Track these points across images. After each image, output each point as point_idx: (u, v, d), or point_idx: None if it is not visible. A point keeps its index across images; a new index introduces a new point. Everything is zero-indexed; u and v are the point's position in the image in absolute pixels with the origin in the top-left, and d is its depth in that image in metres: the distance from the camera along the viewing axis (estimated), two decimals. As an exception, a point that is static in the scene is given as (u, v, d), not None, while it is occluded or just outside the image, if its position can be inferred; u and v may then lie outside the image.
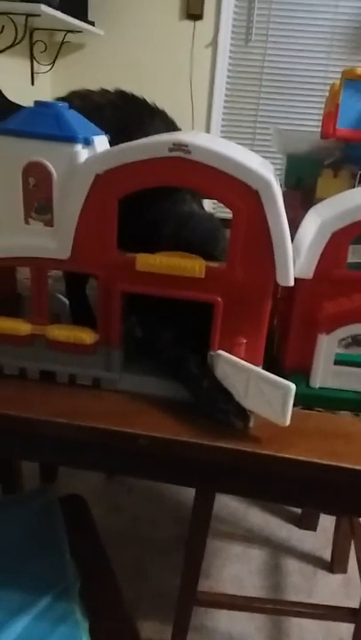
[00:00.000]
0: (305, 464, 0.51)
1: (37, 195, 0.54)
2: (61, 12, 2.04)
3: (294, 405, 0.51)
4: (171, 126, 0.74)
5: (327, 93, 1.01)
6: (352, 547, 1.51)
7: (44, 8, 1.94)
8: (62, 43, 2.50)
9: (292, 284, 0.53)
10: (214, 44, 2.54)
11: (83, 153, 0.53)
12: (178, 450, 0.52)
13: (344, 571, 1.61)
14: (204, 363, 0.57)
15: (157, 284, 0.55)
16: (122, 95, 0.75)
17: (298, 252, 0.56)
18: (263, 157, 0.58)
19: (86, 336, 0.58)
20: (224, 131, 2.73)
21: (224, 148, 0.50)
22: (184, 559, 1.14)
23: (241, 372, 0.54)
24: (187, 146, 0.49)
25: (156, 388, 0.59)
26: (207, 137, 0.54)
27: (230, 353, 0.56)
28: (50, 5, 1.97)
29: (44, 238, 0.55)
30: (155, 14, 2.51)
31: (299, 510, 1.78)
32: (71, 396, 0.58)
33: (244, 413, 0.55)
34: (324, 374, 0.59)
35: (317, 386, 0.60)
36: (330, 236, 0.55)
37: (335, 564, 1.62)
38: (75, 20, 2.13)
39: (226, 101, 2.66)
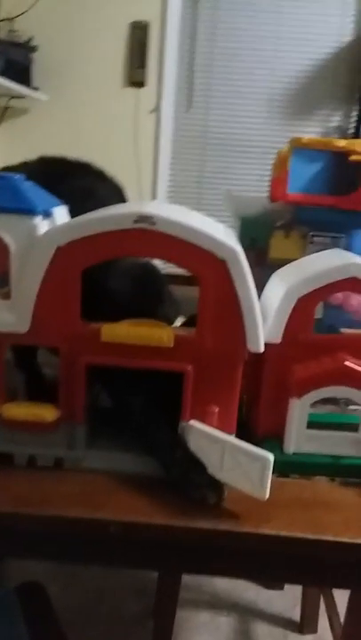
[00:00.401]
0: (286, 539, 0.49)
1: (-6, 267, 0.51)
2: (5, 77, 2.07)
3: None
4: (99, 178, 0.74)
5: (270, 156, 1.06)
6: (322, 604, 1.46)
7: (-13, 74, 1.96)
8: (6, 108, 2.53)
9: (262, 350, 0.52)
10: (157, 110, 2.65)
11: (42, 225, 0.51)
12: (152, 534, 0.49)
13: (314, 630, 1.56)
14: (175, 431, 0.55)
15: (124, 354, 0.52)
16: (42, 161, 0.75)
17: (265, 316, 0.56)
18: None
19: (47, 413, 0.54)
20: (171, 194, 2.80)
21: (189, 219, 0.50)
22: (153, 634, 1.06)
23: (215, 443, 0.52)
24: (152, 217, 0.49)
25: (124, 465, 0.56)
26: (171, 207, 0.54)
27: (203, 422, 0.53)
28: (-7, 71, 2.00)
29: (2, 312, 0.52)
30: (98, 81, 2.60)
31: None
32: (31, 480, 0.53)
33: (217, 486, 0.52)
34: (299, 439, 0.58)
35: (292, 451, 0.58)
36: (296, 301, 0.55)
37: (305, 625, 1.56)
38: (18, 85, 2.17)
39: (171, 165, 2.75)
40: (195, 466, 0.53)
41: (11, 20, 2.32)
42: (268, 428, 0.59)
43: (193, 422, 0.54)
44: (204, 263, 0.50)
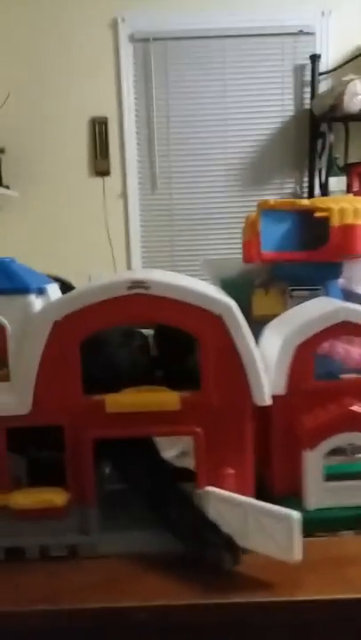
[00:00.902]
0: (324, 603, 0.46)
1: (-10, 350, 0.51)
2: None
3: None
4: None
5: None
6: None
7: None
8: (-22, 207, 2.62)
9: (268, 402, 0.52)
10: (124, 195, 2.79)
11: (37, 302, 0.51)
12: (183, 616, 0.45)
13: None
14: (184, 496, 0.52)
15: (130, 423, 0.51)
16: None
17: (266, 368, 0.56)
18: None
19: (56, 497, 0.51)
20: (145, 267, 2.90)
21: (181, 280, 0.51)
22: None
23: (236, 508, 0.49)
24: (145, 282, 0.49)
25: (143, 545, 0.52)
26: (160, 272, 0.55)
27: (219, 487, 0.51)
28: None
29: (1, 395, 0.51)
30: (66, 174, 2.74)
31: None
32: (45, 573, 0.50)
33: (234, 546, 0.49)
34: (318, 494, 0.56)
35: (313, 508, 0.56)
36: (294, 350, 0.55)
37: None
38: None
39: (143, 243, 2.86)
40: (209, 525, 0.50)
41: (-23, 127, 2.46)
42: (285, 487, 0.57)
43: (209, 488, 0.51)
44: (201, 321, 0.50)
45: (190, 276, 0.63)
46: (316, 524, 0.55)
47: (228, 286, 1.04)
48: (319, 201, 0.95)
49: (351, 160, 2.70)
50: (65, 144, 2.73)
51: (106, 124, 2.76)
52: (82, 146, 2.77)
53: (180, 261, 2.82)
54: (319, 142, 2.82)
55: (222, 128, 2.89)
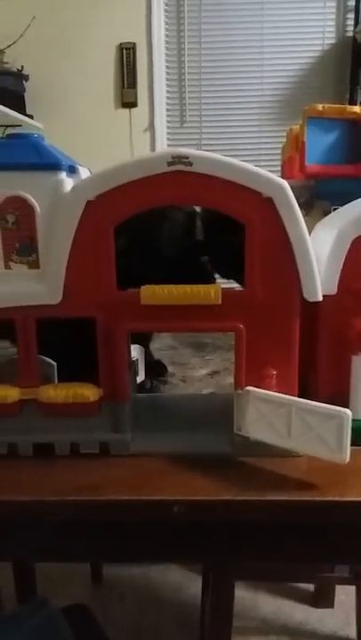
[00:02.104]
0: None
1: (18, 234, 0.47)
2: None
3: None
4: None
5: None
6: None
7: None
8: (2, 138, 2.54)
9: (320, 298, 0.47)
10: (151, 128, 2.67)
11: (68, 182, 0.47)
12: (221, 513, 0.42)
13: (373, 646, 1.44)
14: None
15: (167, 317, 0.47)
16: None
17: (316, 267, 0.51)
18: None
19: (88, 392, 0.48)
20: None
21: (227, 158, 0.45)
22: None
23: (279, 407, 0.46)
24: (187, 157, 0.44)
25: (177, 446, 0.50)
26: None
27: (260, 387, 0.48)
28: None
29: (29, 283, 0.47)
30: (91, 104, 2.63)
31: (311, 587, 1.62)
32: (76, 469, 0.47)
33: None
34: (366, 401, 0.52)
35: (360, 417, 0.52)
36: (349, 246, 0.50)
37: (362, 641, 1.45)
38: (13, 112, 2.18)
39: (168, 180, 2.76)
40: None
41: (1, 51, 2.35)
42: (330, 393, 0.53)
43: (250, 388, 0.48)
44: (249, 204, 0.45)
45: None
46: (362, 434, 0.52)
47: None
48: (372, 109, 0.87)
49: (395, 92, 2.52)
50: (91, 72, 2.60)
51: (134, 51, 2.61)
52: (109, 75, 2.64)
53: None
54: (361, 72, 2.63)
55: (258, 57, 2.71)
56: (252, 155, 2.65)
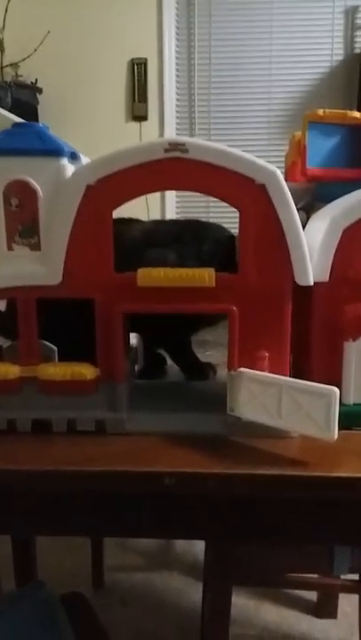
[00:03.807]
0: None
1: (21, 217, 0.49)
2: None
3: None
4: None
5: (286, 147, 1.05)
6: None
7: (-4, 114, 2.03)
8: (15, 150, 2.60)
9: (311, 282, 0.49)
10: (161, 141, 2.73)
11: (69, 167, 0.49)
12: (212, 486, 0.43)
13: (378, 657, 1.42)
14: None
15: (163, 299, 0.49)
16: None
17: (309, 254, 0.52)
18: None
19: (86, 371, 0.50)
20: (179, 209, 2.84)
21: (222, 146, 0.47)
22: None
23: (270, 387, 0.47)
24: (184, 144, 0.46)
25: (171, 425, 0.51)
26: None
27: (253, 369, 0.49)
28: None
29: (31, 264, 0.49)
30: (102, 117, 2.69)
31: (314, 597, 1.60)
32: (73, 444, 0.49)
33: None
34: (358, 388, 0.53)
35: (351, 402, 0.53)
36: (341, 233, 0.51)
37: (367, 653, 1.42)
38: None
39: (178, 192, 2.80)
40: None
41: (15, 64, 2.42)
42: (323, 379, 0.54)
43: (243, 369, 0.49)
44: (242, 190, 0.47)
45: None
46: (354, 418, 0.53)
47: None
48: (372, 114, 0.89)
49: None
50: (103, 86, 2.67)
51: (145, 66, 2.67)
52: (120, 89, 2.70)
53: (216, 212, 2.76)
54: (369, 88, 2.67)
55: (266, 73, 2.76)
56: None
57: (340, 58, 2.80)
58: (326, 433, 0.44)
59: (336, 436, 0.44)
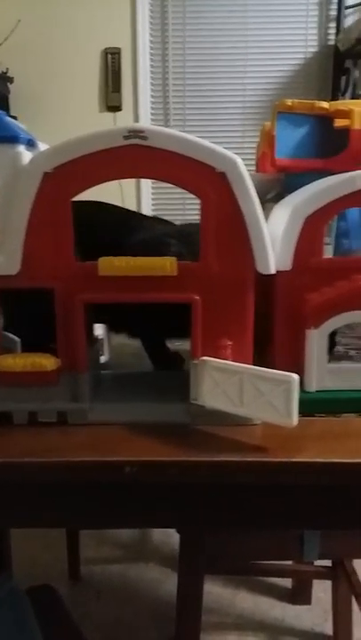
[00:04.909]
0: (323, 467, 0.44)
1: (-22, 205, 0.48)
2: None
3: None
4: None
5: (251, 166, 1.05)
6: (355, 613, 1.36)
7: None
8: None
9: (273, 271, 0.49)
10: (136, 132, 2.70)
11: (26, 154, 0.48)
12: (175, 473, 0.43)
13: (350, 643, 1.45)
14: None
15: (124, 289, 0.48)
16: None
17: (272, 243, 0.52)
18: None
19: (46, 362, 0.49)
20: (155, 211, 2.83)
21: (183, 134, 0.47)
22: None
23: (232, 376, 0.47)
24: (143, 132, 0.46)
25: (134, 415, 0.51)
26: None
27: (216, 358, 0.49)
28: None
29: (-11, 253, 0.48)
30: (76, 107, 2.65)
31: (289, 585, 1.62)
32: (34, 435, 0.48)
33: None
34: (320, 375, 0.53)
35: (314, 389, 0.53)
36: (303, 222, 0.52)
37: (339, 637, 1.45)
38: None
39: (153, 183, 2.78)
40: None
41: (-15, 53, 2.37)
42: (286, 367, 0.54)
43: (205, 358, 0.49)
44: (203, 178, 0.47)
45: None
46: (316, 405, 0.53)
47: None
48: (340, 104, 0.89)
49: (376, 99, 2.57)
50: (76, 75, 2.63)
51: (119, 56, 2.64)
52: (93, 78, 2.67)
53: (192, 203, 2.75)
54: (343, 79, 2.68)
55: (241, 64, 2.76)
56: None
57: (315, 49, 2.81)
58: (286, 419, 0.44)
59: (296, 422, 0.44)
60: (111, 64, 2.65)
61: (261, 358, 0.57)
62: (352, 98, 2.59)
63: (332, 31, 2.80)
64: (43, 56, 2.61)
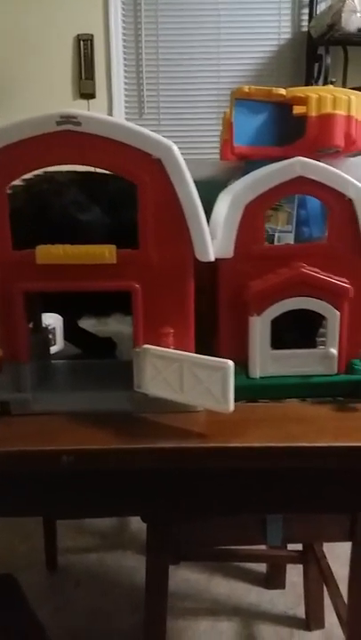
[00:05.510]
0: (258, 451, 0.44)
1: None
2: None
3: (236, 400, 0.45)
4: None
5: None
6: (326, 598, 1.39)
7: None
8: None
9: (212, 258, 0.49)
10: (110, 120, 2.67)
11: None
12: (112, 461, 0.44)
13: (322, 626, 1.48)
14: None
15: (64, 277, 0.48)
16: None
17: (214, 231, 0.52)
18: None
19: (-13, 352, 0.49)
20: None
21: (118, 120, 0.47)
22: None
23: (172, 363, 0.47)
24: (76, 117, 0.45)
25: (77, 404, 0.51)
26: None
27: (158, 346, 0.49)
28: None
29: None
30: (48, 95, 2.61)
31: (264, 570, 1.65)
32: (-25, 427, 0.48)
33: None
34: (264, 361, 0.54)
35: (258, 375, 0.54)
36: (243, 210, 0.52)
37: (311, 621, 1.48)
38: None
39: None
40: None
41: None
42: (231, 354, 0.54)
43: (147, 346, 0.49)
44: (138, 165, 0.46)
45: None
46: (260, 391, 0.54)
47: (201, 187, 1.00)
48: (298, 90, 0.89)
49: (350, 85, 2.57)
50: (48, 63, 2.59)
51: (92, 42, 2.61)
52: (66, 65, 2.63)
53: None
54: (316, 66, 2.68)
55: (215, 50, 2.74)
56: (210, 147, 2.68)
57: (288, 36, 2.80)
58: (223, 405, 0.45)
59: (232, 408, 0.45)
60: (84, 51, 2.61)
61: (206, 345, 0.57)
62: (324, 84, 2.59)
63: (306, 17, 2.79)
64: (14, 42, 2.56)
